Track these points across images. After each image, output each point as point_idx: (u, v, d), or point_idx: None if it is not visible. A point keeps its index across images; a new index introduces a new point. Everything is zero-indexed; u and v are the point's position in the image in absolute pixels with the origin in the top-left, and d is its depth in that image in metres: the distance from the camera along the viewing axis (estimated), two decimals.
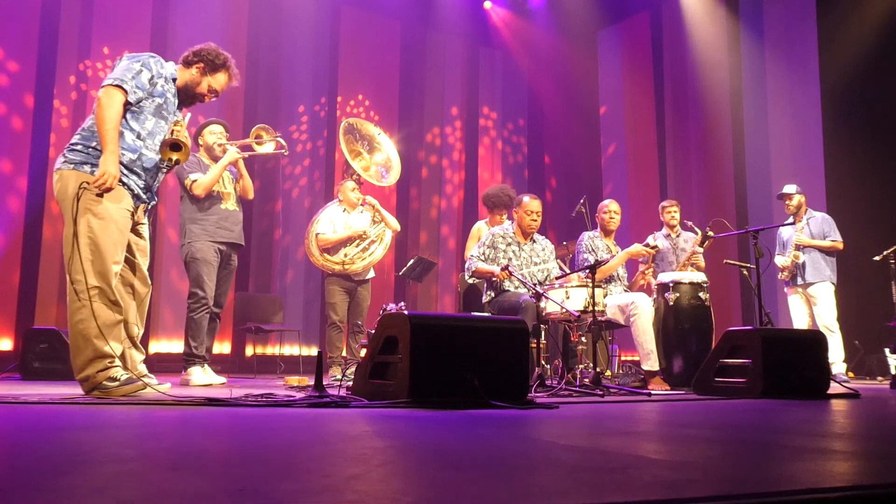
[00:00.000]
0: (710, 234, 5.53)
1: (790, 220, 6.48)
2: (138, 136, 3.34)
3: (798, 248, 6.28)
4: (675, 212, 5.95)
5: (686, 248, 5.75)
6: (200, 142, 4.95)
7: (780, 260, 6.50)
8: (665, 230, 5.97)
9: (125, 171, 3.29)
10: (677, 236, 5.90)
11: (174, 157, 3.37)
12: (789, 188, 6.46)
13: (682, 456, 1.65)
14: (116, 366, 3.18)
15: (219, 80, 3.61)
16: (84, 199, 3.15)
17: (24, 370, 5.09)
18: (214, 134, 4.93)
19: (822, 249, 6.25)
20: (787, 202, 6.45)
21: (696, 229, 5.77)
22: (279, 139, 4.99)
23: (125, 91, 3.25)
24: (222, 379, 4.77)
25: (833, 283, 6.22)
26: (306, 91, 8.96)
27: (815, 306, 6.25)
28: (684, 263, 5.61)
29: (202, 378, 4.55)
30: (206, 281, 4.68)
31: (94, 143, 3.24)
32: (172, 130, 3.50)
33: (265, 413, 2.60)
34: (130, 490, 1.13)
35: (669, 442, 1.98)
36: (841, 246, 6.26)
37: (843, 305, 6.29)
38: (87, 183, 3.14)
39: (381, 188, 6.22)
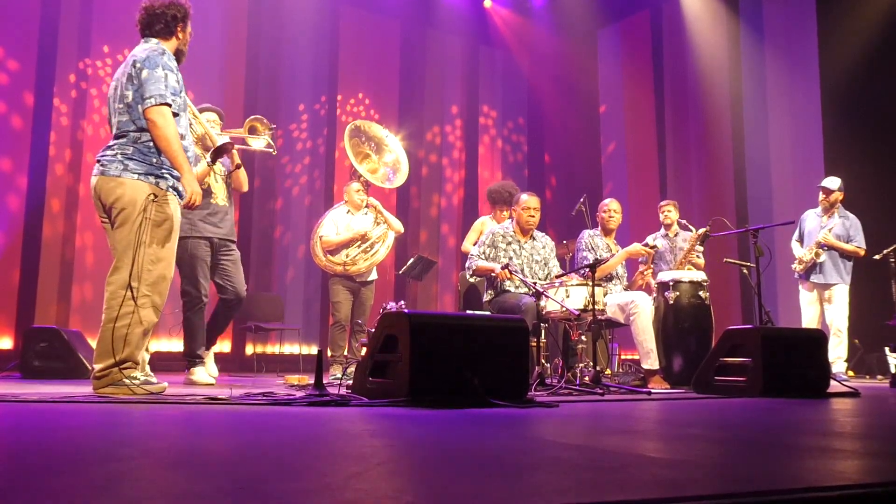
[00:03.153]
0: (706, 231, 5.54)
1: (816, 210, 6.41)
2: (182, 138, 3.40)
3: (821, 246, 6.22)
4: (668, 211, 5.94)
5: (685, 247, 5.75)
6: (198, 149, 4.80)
7: (799, 251, 6.42)
8: (662, 230, 5.97)
9: (178, 175, 3.40)
10: (675, 235, 5.90)
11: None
12: (832, 183, 6.30)
13: (681, 455, 1.65)
14: (136, 368, 3.29)
15: (189, 26, 3.60)
16: (150, 212, 3.27)
17: (24, 369, 5.08)
18: (209, 122, 4.70)
19: (843, 252, 6.21)
20: (824, 195, 6.32)
21: (691, 227, 5.77)
22: (269, 139, 4.88)
23: (169, 105, 3.31)
24: (215, 375, 4.74)
25: (847, 284, 6.21)
26: (306, 90, 8.95)
27: (828, 304, 6.22)
28: (681, 262, 5.60)
29: (206, 377, 4.53)
30: (200, 279, 4.57)
31: (153, 159, 3.31)
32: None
33: (265, 412, 2.60)
34: (131, 489, 1.13)
35: (669, 441, 1.98)
36: (863, 252, 6.19)
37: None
38: (155, 195, 3.27)
39: (382, 188, 6.22)
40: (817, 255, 6.20)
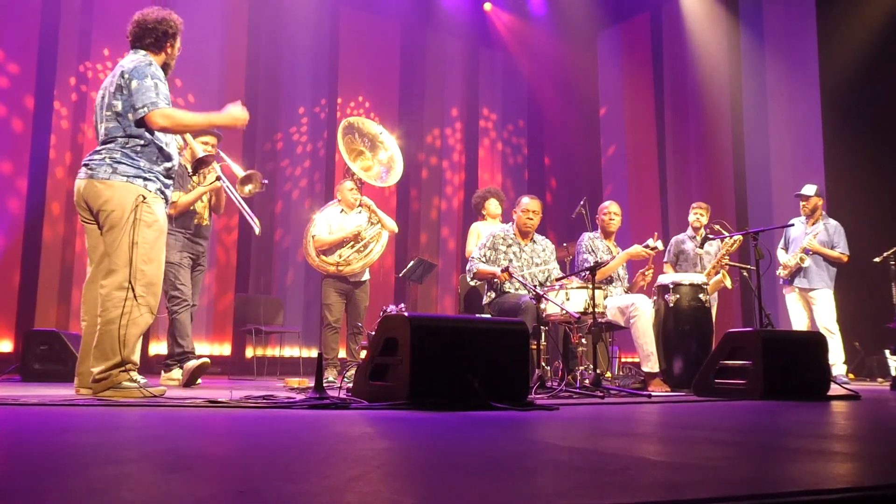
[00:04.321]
0: (710, 236, 5.54)
1: (801, 218, 6.46)
2: (167, 145, 3.47)
3: (806, 251, 6.25)
4: (700, 214, 5.98)
5: (711, 251, 5.77)
6: (187, 153, 4.68)
7: (784, 257, 6.48)
8: (690, 231, 5.97)
9: (165, 180, 3.47)
10: (702, 239, 5.90)
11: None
12: (808, 190, 6.39)
13: (682, 457, 1.65)
14: (134, 370, 3.30)
15: (178, 42, 3.63)
16: (139, 212, 3.30)
17: (23, 372, 5.08)
18: (206, 144, 4.74)
19: (827, 258, 6.25)
20: (803, 202, 6.41)
21: (726, 233, 5.73)
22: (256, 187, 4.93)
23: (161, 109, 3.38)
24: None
25: (831, 289, 6.24)
26: (306, 92, 8.95)
27: (814, 305, 6.26)
28: (715, 267, 5.60)
29: (197, 360, 4.62)
30: (182, 282, 4.80)
31: (141, 163, 3.37)
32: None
33: (265, 415, 2.60)
34: (130, 492, 1.13)
35: (670, 443, 1.98)
36: (846, 259, 6.24)
37: (843, 307, 6.29)
38: (144, 197, 3.32)
39: (381, 189, 6.21)
40: (802, 259, 6.26)
